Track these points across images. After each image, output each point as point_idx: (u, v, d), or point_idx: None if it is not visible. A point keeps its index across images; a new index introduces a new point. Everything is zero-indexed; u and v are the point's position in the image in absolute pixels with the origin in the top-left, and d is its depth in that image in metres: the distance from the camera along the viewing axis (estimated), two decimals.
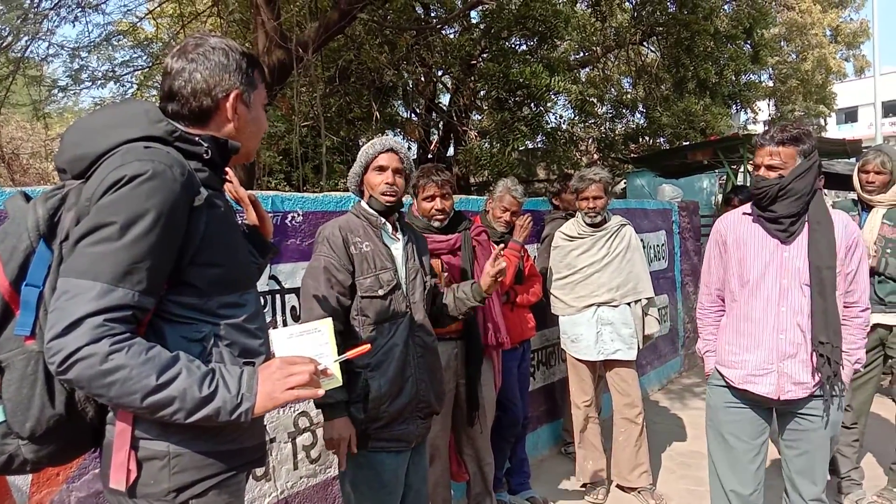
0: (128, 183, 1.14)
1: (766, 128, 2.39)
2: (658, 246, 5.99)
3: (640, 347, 3.73)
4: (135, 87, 8.67)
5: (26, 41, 6.90)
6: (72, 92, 8.17)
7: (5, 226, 1.24)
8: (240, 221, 1.64)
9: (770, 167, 2.29)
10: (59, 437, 1.21)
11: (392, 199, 2.20)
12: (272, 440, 2.67)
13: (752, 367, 2.37)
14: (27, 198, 1.28)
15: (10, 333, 1.18)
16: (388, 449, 2.14)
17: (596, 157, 10.94)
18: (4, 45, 6.85)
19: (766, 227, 2.36)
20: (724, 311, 2.57)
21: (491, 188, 3.67)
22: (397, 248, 2.24)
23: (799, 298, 2.29)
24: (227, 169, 1.48)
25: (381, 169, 2.20)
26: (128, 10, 7.95)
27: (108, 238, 1.12)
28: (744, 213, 2.48)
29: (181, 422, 1.16)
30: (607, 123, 10.46)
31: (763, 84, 14.55)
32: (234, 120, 1.37)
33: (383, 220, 2.23)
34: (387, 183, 2.18)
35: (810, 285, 2.27)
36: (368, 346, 1.52)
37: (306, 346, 1.35)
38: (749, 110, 11.29)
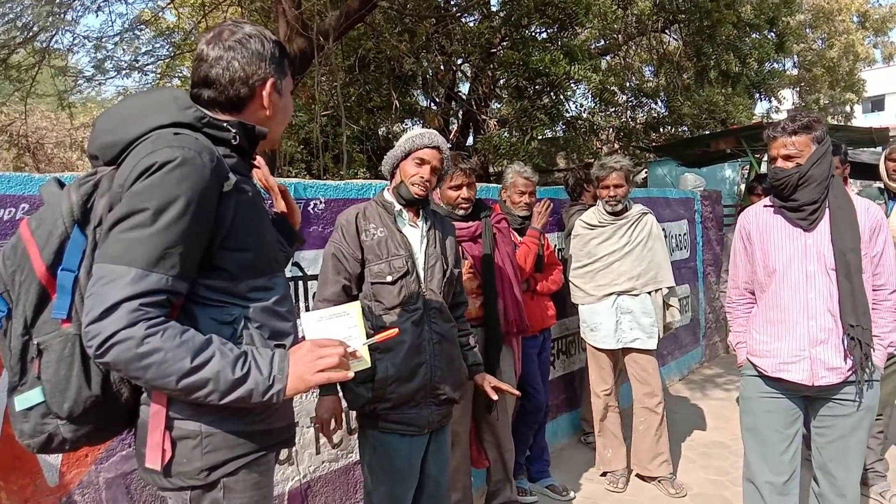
0: (159, 170, 1.16)
1: (775, 121, 2.39)
2: (680, 235, 5.94)
3: (661, 337, 3.72)
4: (158, 76, 8.76)
5: (51, 32, 6.99)
6: (97, 82, 8.28)
7: (41, 212, 1.27)
8: (268, 209, 1.66)
9: (787, 157, 2.31)
10: (96, 417, 1.25)
11: (423, 192, 2.21)
12: (295, 424, 2.70)
13: (784, 356, 2.36)
14: (61, 184, 1.31)
15: (48, 317, 1.21)
16: (398, 431, 2.15)
17: (616, 146, 10.84)
18: (30, 35, 6.94)
19: (788, 216, 2.37)
20: (753, 303, 2.57)
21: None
22: (415, 234, 2.25)
23: (826, 284, 2.29)
24: (258, 157, 1.50)
25: (422, 162, 2.21)
26: None
27: (142, 224, 1.14)
28: (765, 206, 2.49)
29: (215, 403, 1.18)
30: (628, 112, 10.36)
31: (787, 72, 14.31)
32: (269, 108, 1.39)
33: (399, 207, 2.24)
34: (422, 177, 2.20)
35: (836, 269, 2.27)
36: (397, 330, 1.55)
37: (336, 328, 1.37)
38: (773, 99, 11.08)
